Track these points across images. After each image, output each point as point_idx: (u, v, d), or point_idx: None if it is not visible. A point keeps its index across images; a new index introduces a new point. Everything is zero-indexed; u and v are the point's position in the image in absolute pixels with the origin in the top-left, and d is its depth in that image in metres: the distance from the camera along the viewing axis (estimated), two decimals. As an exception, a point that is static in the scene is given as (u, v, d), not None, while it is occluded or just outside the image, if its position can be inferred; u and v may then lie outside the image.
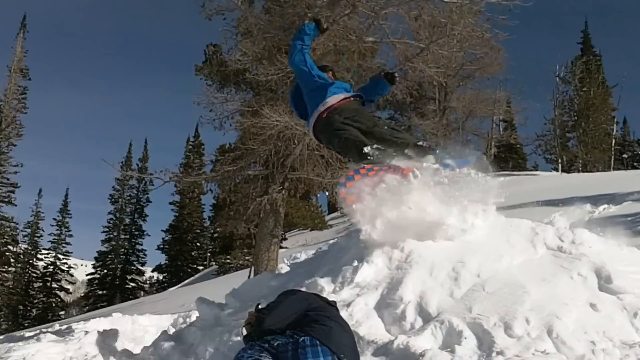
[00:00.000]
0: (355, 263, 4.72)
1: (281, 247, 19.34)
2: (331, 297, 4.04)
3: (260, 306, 3.68)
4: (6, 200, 36.50)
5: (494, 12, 13.49)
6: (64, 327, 10.10)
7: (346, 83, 6.01)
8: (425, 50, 13.34)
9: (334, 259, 5.27)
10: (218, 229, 34.21)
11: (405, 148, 5.14)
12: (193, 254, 49.02)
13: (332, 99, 5.31)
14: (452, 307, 4.18)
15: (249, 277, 15.45)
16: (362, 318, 4.20)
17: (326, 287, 4.59)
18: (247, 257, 30.38)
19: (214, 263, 41.75)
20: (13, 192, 36.76)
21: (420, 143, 5.34)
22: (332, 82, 5.49)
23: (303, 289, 4.34)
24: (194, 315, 8.26)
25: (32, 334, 10.67)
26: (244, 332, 3.60)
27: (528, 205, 14.93)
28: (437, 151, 5.22)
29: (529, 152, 45.53)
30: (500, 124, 39.83)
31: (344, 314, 3.96)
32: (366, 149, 4.94)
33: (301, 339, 3.23)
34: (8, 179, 36.35)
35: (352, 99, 5.43)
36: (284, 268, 6.49)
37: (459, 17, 12.75)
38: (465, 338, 3.85)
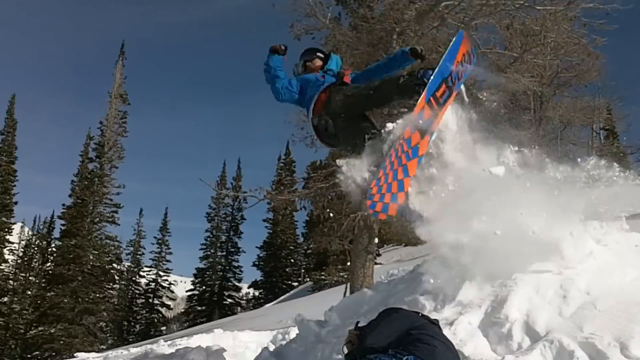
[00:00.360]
0: (457, 280, 4.65)
1: (376, 264, 19.27)
2: (433, 316, 4.00)
3: (360, 324, 3.68)
4: (110, 220, 38.53)
5: (591, 18, 12.97)
6: (169, 342, 10.52)
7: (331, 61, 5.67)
8: (518, 59, 13.01)
9: (434, 276, 5.20)
10: (312, 246, 34.57)
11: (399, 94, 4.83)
12: (287, 270, 49.73)
13: (312, 107, 5.27)
14: (562, 326, 4.02)
15: (345, 293, 15.50)
16: (466, 337, 4.13)
17: (427, 305, 4.56)
18: (341, 274, 30.47)
19: (308, 279, 42.16)
20: (116, 212, 38.79)
21: (402, 81, 4.83)
22: (307, 89, 5.40)
23: (404, 307, 4.31)
24: (293, 332, 8.39)
25: (139, 350, 11.19)
26: (345, 350, 3.60)
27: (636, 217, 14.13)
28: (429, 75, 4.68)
29: (633, 161, 42.98)
30: (601, 133, 37.96)
31: (446, 332, 3.91)
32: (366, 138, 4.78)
33: (404, 358, 3.21)
34: (111, 200, 38.44)
35: (328, 92, 5.24)
36: (381, 285, 6.47)
37: (553, 24, 12.35)
38: (578, 358, 3.70)
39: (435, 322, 3.64)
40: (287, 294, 41.72)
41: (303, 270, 48.83)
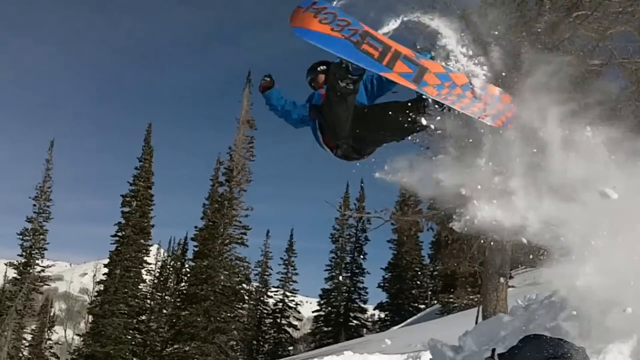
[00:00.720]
0: (604, 305, 4.44)
1: (508, 287, 18.64)
2: (578, 343, 3.86)
3: (497, 351, 3.62)
4: (239, 241, 40.16)
5: None
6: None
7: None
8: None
9: (577, 300, 4.99)
10: (438, 267, 34.03)
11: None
12: (413, 292, 49.17)
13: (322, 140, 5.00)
14: None
15: (477, 318, 15.11)
16: (617, 367, 3.95)
17: (571, 332, 4.41)
18: (471, 297, 29.71)
19: (435, 302, 41.43)
20: (245, 234, 40.39)
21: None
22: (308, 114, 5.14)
23: (546, 334, 4.19)
24: (424, 356, 8.32)
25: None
26: (485, 377, 3.57)
27: None
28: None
29: None
30: None
31: (594, 362, 3.76)
32: None
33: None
34: (240, 222, 40.10)
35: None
36: (518, 310, 6.29)
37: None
38: None
39: (580, 350, 3.51)
40: (415, 317, 41.21)
41: (430, 293, 48.06)
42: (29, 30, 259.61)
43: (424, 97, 4.48)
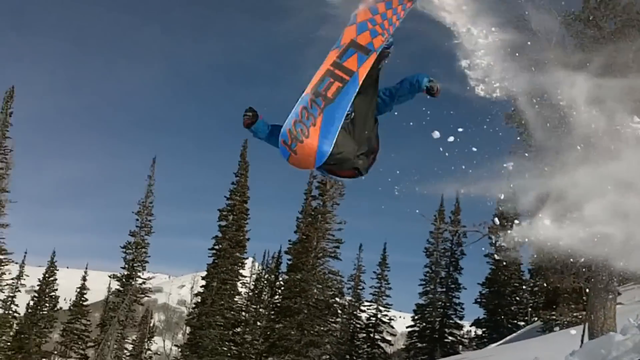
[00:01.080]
0: None
1: (617, 303, 17.84)
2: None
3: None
4: (332, 255, 40.62)
5: None
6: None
7: None
8: None
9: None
10: (538, 283, 32.91)
11: None
12: (512, 308, 47.73)
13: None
14: None
15: (582, 336, 14.58)
16: None
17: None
18: (575, 314, 28.56)
19: (536, 319, 40.05)
20: (338, 247, 40.81)
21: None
22: None
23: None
24: (529, 375, 8.17)
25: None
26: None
27: None
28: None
29: None
30: None
31: None
32: None
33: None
34: (333, 235, 40.61)
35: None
36: (632, 329, 6.05)
37: None
38: None
39: None
40: (514, 334, 40.00)
41: (530, 309, 46.46)
42: (131, 50, 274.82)
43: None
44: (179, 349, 45.40)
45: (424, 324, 48.96)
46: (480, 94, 5.70)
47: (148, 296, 47.93)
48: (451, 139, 6.30)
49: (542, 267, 24.09)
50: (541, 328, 34.31)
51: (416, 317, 49.43)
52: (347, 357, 48.46)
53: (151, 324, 61.73)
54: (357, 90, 4.51)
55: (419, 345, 48.53)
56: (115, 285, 44.74)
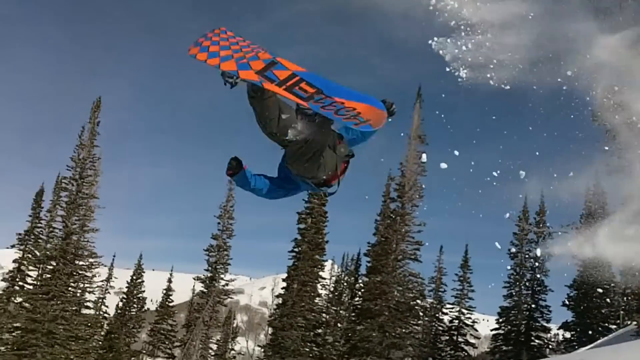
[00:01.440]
0: None
1: None
2: None
3: None
4: (412, 257, 40.63)
5: None
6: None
7: None
8: None
9: None
10: (630, 285, 31.81)
11: None
12: (603, 311, 46.19)
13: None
14: None
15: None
16: None
17: None
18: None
19: (629, 322, 38.64)
20: (418, 249, 40.78)
21: None
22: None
23: None
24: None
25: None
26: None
27: None
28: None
29: None
30: None
31: None
32: None
33: None
34: (413, 238, 40.62)
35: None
36: None
37: None
38: None
39: None
40: (605, 338, 38.78)
41: (622, 312, 44.81)
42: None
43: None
44: (262, 349, 46.47)
45: (509, 327, 48.08)
46: None
47: (231, 297, 49.38)
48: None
49: (632, 268, 23.40)
50: (635, 332, 33.14)
51: (501, 320, 48.60)
52: (430, 359, 48.23)
53: (234, 325, 63.33)
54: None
55: (504, 348, 47.68)
56: (199, 287, 46.35)
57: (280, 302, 43.69)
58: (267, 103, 4.61)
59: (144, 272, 54.11)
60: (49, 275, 35.06)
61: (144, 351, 51.09)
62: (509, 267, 48.32)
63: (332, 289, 51.07)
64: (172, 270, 52.06)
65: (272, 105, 4.63)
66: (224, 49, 4.56)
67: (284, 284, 43.37)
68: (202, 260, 45.51)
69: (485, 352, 54.24)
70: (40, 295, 33.39)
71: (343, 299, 50.42)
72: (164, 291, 51.69)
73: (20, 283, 37.54)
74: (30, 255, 37.85)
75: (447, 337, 49.72)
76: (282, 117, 4.69)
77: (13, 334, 33.06)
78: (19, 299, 35.66)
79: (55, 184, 39.69)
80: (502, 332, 48.17)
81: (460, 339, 49.34)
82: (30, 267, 37.83)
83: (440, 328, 50.17)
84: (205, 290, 44.86)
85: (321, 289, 46.80)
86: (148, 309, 56.02)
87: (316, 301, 44.52)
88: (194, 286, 50.72)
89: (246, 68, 4.44)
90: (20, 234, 38.44)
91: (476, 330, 50.56)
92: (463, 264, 50.19)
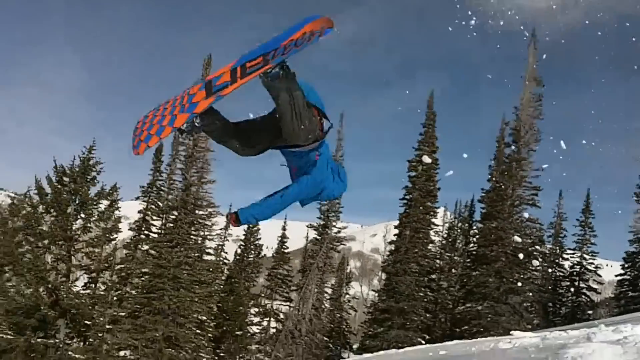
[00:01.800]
0: None
1: None
2: None
3: None
4: (530, 202, 39.70)
5: None
6: (611, 328, 10.70)
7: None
8: None
9: None
10: None
11: None
12: None
13: None
14: None
15: None
16: None
17: None
18: None
19: None
20: (536, 194, 39.70)
21: None
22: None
23: None
24: None
25: (578, 333, 11.78)
26: None
27: None
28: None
29: None
30: None
31: None
32: None
33: None
34: (530, 183, 39.54)
35: None
36: None
37: None
38: None
39: None
40: None
41: None
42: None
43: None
44: (376, 294, 47.38)
45: (636, 273, 46.20)
46: None
47: (343, 244, 50.61)
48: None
49: None
50: None
51: (626, 266, 46.78)
52: (550, 304, 47.48)
53: (348, 270, 64.94)
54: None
55: (631, 294, 45.99)
56: (312, 234, 47.74)
57: (393, 248, 44.15)
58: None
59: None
60: (171, 225, 37.13)
61: (263, 295, 53.49)
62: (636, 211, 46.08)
63: (445, 236, 51.01)
64: (285, 219, 53.65)
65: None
66: (156, 123, 4.64)
67: (396, 231, 43.69)
68: (314, 209, 46.80)
69: (609, 297, 52.64)
70: (165, 243, 35.49)
71: (457, 245, 50.34)
72: (279, 238, 53.53)
73: (146, 232, 39.90)
74: (153, 206, 40.08)
75: (568, 283, 48.59)
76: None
77: (142, 278, 35.46)
78: (146, 247, 38.01)
79: (173, 139, 41.63)
80: (628, 277, 46.40)
81: (582, 285, 48.08)
82: (154, 217, 40.05)
83: (561, 274, 49.09)
84: (318, 237, 46.14)
85: (434, 236, 46.81)
86: (265, 255, 58.22)
87: (429, 247, 44.62)
88: (307, 233, 52.27)
89: (193, 107, 4.56)
90: (143, 187, 40.62)
91: (599, 276, 48.97)
92: (584, 209, 48.51)
